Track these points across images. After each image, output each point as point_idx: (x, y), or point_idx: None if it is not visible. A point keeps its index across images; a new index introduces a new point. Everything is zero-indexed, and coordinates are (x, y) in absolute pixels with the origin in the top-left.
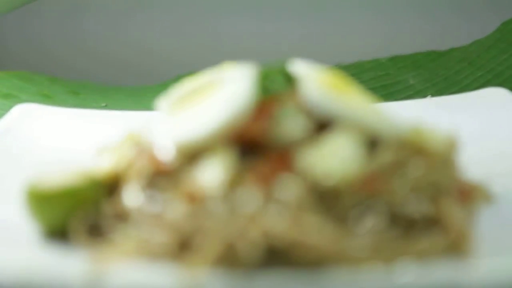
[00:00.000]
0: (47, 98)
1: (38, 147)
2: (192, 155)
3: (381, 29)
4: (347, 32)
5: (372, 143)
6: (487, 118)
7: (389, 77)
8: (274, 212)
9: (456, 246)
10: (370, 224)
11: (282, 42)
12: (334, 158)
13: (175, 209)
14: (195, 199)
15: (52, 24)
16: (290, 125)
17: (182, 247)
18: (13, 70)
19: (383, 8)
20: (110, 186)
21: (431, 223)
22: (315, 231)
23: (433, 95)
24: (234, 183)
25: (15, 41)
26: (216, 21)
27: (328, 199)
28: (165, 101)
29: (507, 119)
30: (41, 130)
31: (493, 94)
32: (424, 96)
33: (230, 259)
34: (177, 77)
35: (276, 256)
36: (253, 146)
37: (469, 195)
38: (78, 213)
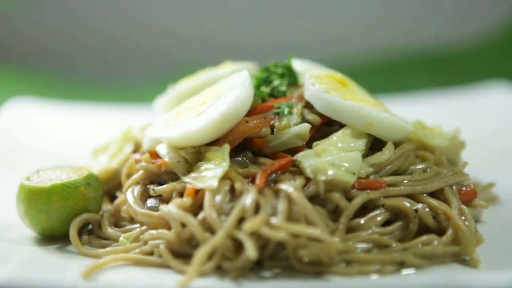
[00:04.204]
0: (43, 91)
1: (33, 142)
2: (191, 153)
3: (383, 24)
4: (349, 31)
5: (375, 140)
6: (490, 110)
7: (392, 74)
8: (272, 207)
9: (458, 245)
10: (370, 220)
11: (283, 40)
12: (335, 156)
13: (174, 205)
14: (194, 195)
15: (52, 19)
16: (291, 124)
17: (183, 243)
18: (10, 63)
19: (385, 4)
20: (108, 183)
21: (433, 221)
22: (313, 226)
23: (437, 89)
24: (232, 179)
25: (14, 35)
26: (217, 20)
27: (328, 196)
28: (164, 99)
29: (509, 111)
30: (35, 124)
31: (496, 86)
32: (428, 91)
33: (230, 253)
34: (176, 74)
35: (275, 254)
36: (253, 144)
37: (473, 193)
38: (76, 211)
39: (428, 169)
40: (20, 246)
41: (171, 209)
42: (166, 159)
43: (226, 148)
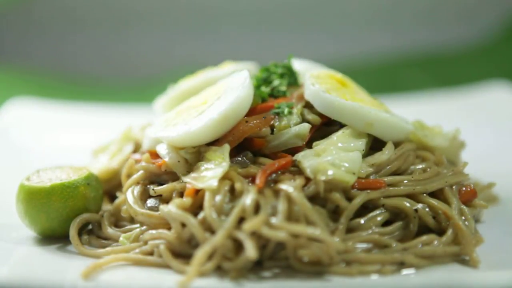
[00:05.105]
0: (43, 91)
1: (33, 142)
2: (191, 153)
3: (383, 24)
4: (349, 30)
5: (375, 140)
6: (490, 110)
7: (392, 74)
8: (272, 207)
9: (458, 244)
10: (370, 220)
11: (283, 40)
12: (335, 156)
13: (174, 205)
14: (194, 195)
15: (52, 19)
16: (291, 124)
17: (183, 243)
18: (10, 63)
19: (385, 4)
20: (108, 183)
21: (433, 221)
22: (313, 226)
23: (437, 89)
24: (232, 179)
25: (14, 35)
26: (217, 20)
27: (328, 196)
28: (164, 99)
29: (509, 111)
30: (35, 124)
31: (496, 86)
32: (428, 91)
33: (230, 253)
34: (176, 74)
35: (274, 254)
36: (253, 144)
37: (473, 193)
38: (75, 211)
39: (428, 169)
40: (20, 246)
41: (171, 209)
42: (166, 159)
43: (226, 148)
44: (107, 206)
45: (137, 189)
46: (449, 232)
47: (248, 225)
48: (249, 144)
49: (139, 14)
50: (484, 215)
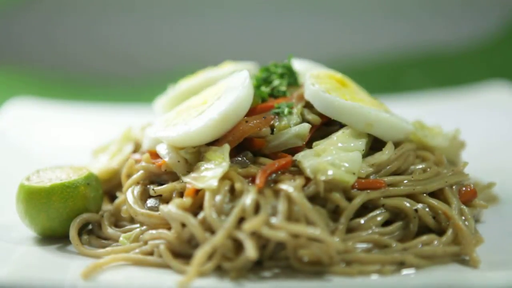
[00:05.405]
0: (43, 91)
1: (32, 142)
2: (191, 153)
3: (383, 24)
4: (349, 30)
5: (375, 140)
6: (490, 110)
7: (392, 74)
8: (272, 207)
9: (458, 245)
10: (370, 220)
11: (283, 41)
12: (335, 156)
13: (174, 205)
14: (194, 195)
15: (51, 19)
16: (291, 124)
17: (183, 243)
18: (10, 63)
19: (385, 4)
20: (108, 183)
21: (433, 221)
22: (313, 226)
23: (437, 89)
24: (232, 179)
25: (14, 35)
26: (217, 20)
27: (328, 196)
28: (164, 99)
29: (509, 111)
30: (35, 124)
31: (496, 86)
32: (428, 91)
33: (230, 253)
34: (176, 74)
35: (275, 254)
36: (253, 144)
37: (473, 193)
38: (75, 211)
39: (428, 169)
40: (20, 246)
41: (171, 209)
42: (166, 159)
43: (226, 148)
44: (107, 206)
45: (137, 189)
46: (449, 232)
47: (248, 225)
48: (249, 144)
49: (139, 14)
50: (484, 215)
